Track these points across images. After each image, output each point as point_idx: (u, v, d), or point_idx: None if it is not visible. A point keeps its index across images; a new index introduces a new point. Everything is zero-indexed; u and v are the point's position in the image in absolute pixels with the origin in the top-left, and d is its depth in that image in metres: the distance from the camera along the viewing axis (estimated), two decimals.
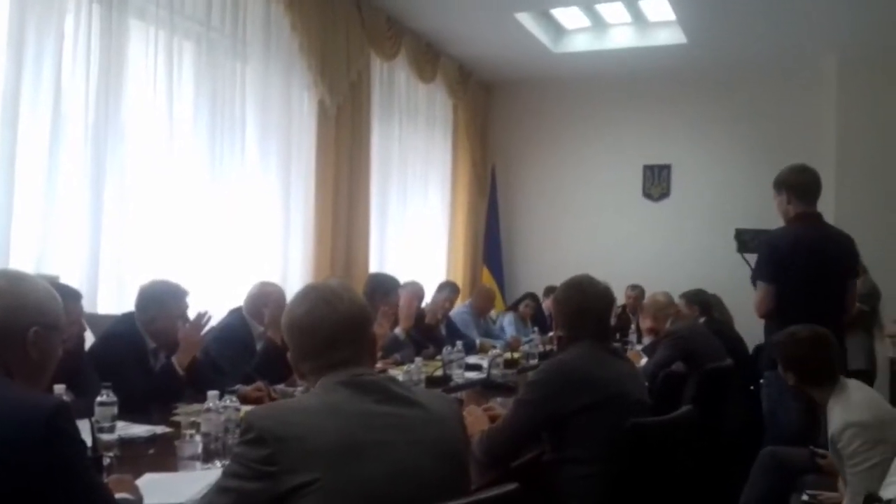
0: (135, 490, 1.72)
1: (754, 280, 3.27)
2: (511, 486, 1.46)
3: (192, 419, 2.43)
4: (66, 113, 3.75)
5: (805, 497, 2.61)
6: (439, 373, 3.60)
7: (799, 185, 3.30)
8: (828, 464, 2.70)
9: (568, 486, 2.18)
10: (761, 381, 3.46)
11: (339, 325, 1.53)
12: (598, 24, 6.87)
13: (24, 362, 1.45)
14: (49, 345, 1.49)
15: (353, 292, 1.63)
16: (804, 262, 3.16)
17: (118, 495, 1.63)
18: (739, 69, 7.21)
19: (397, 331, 4.37)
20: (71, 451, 1.34)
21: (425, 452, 1.46)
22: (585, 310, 2.34)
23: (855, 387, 2.57)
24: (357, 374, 1.50)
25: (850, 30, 6.22)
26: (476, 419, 2.48)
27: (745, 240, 3.58)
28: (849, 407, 2.49)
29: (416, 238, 6.95)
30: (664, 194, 7.67)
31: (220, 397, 2.23)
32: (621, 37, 6.95)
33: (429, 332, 4.81)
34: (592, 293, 2.37)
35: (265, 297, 3.58)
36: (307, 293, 1.60)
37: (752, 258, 3.63)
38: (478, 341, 5.31)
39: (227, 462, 1.98)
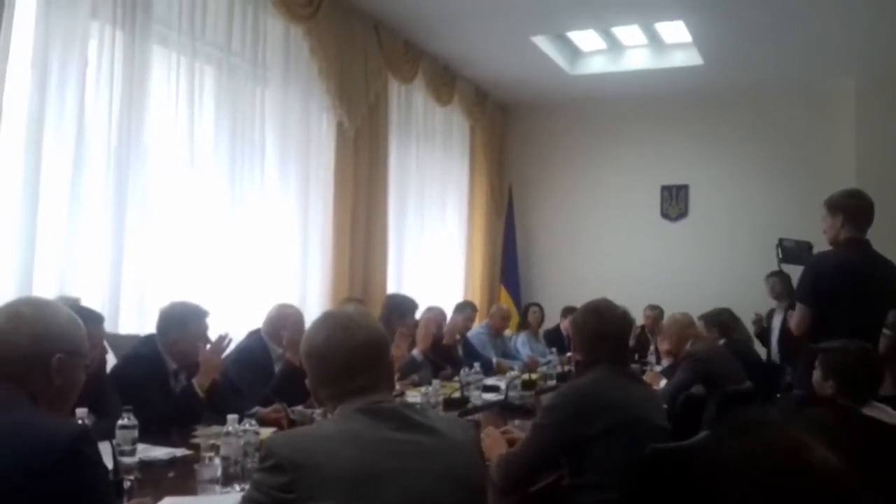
0: None
1: (796, 298, 3.26)
2: None
3: (212, 442, 2.45)
4: (90, 137, 3.82)
5: None
6: (457, 394, 3.60)
7: (857, 211, 3.28)
8: None
9: None
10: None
11: (357, 352, 1.55)
12: (614, 46, 6.90)
13: (48, 389, 1.47)
14: (73, 372, 1.51)
15: (371, 319, 1.65)
16: (850, 287, 3.15)
17: None
18: (756, 91, 7.20)
19: (415, 352, 4.38)
20: (93, 476, 1.36)
21: (442, 480, 1.46)
22: (603, 334, 2.33)
23: (881, 409, 2.56)
24: (375, 402, 1.51)
25: (867, 53, 6.21)
26: (494, 442, 2.47)
27: (788, 248, 3.58)
28: None
29: (433, 258, 6.97)
30: (682, 214, 7.65)
31: (240, 420, 2.25)
32: (637, 59, 6.97)
33: (446, 353, 4.81)
34: (610, 317, 2.36)
35: (284, 320, 3.60)
36: (325, 320, 1.61)
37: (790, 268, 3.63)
38: (494, 361, 5.30)
39: (245, 486, 2.00)
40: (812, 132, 7.11)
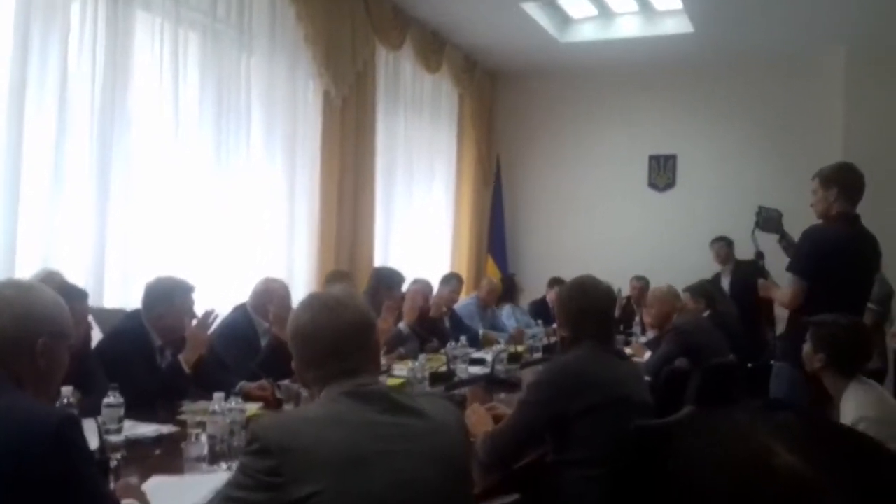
0: (142, 496, 1.74)
1: (790, 270, 3.26)
2: (512, 497, 1.47)
3: (198, 418, 2.45)
4: (72, 104, 3.77)
5: None
6: (444, 368, 3.62)
7: (851, 185, 3.27)
8: None
9: (570, 488, 2.19)
10: (773, 370, 3.47)
11: (343, 334, 1.54)
12: (605, 13, 6.82)
13: (33, 372, 1.46)
14: (57, 354, 1.50)
15: (358, 300, 1.64)
16: (843, 262, 3.17)
17: (126, 501, 1.66)
18: (746, 59, 7.16)
19: (401, 325, 4.39)
20: (78, 461, 1.36)
21: (428, 462, 1.47)
22: (588, 310, 2.34)
23: (869, 384, 2.60)
24: (361, 384, 1.51)
25: (859, 23, 6.16)
26: (479, 419, 2.49)
27: (766, 216, 3.57)
28: (863, 402, 2.51)
29: (420, 229, 6.96)
30: (670, 184, 7.65)
31: (226, 398, 2.26)
32: (628, 26, 6.90)
33: (433, 326, 4.82)
34: (595, 294, 2.37)
35: (270, 294, 3.59)
36: (311, 302, 1.61)
37: (766, 238, 3.62)
38: (481, 333, 5.33)
39: (232, 464, 2.02)
40: (802, 102, 7.09)
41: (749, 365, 4.12)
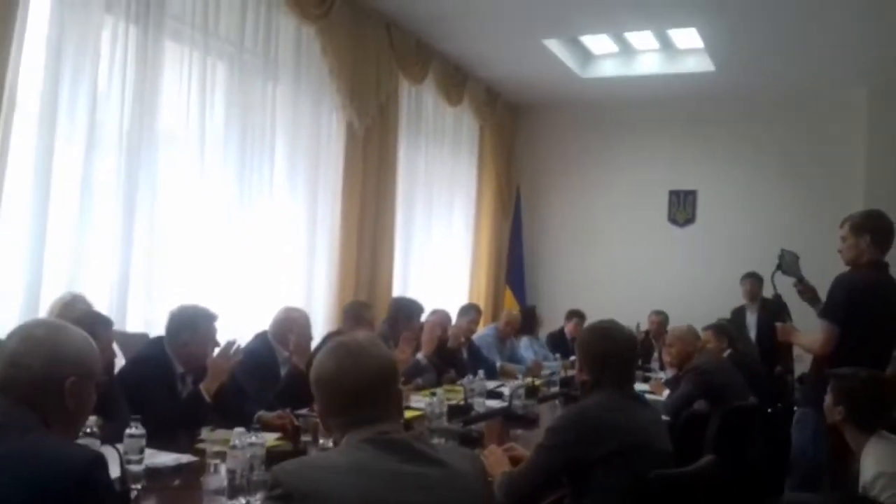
0: None
1: (823, 316, 3.23)
2: None
3: (217, 448, 2.47)
4: (101, 130, 3.84)
5: None
6: (461, 401, 3.61)
7: (883, 232, 3.25)
8: None
9: None
10: (794, 416, 3.44)
11: (366, 382, 1.54)
12: (627, 50, 6.88)
13: (61, 411, 1.47)
14: (85, 394, 1.52)
15: (381, 347, 1.65)
16: (874, 310, 3.16)
17: None
18: (767, 97, 7.18)
19: (419, 356, 4.39)
20: (105, 501, 1.37)
21: None
22: (609, 356, 2.34)
23: (889, 438, 2.57)
24: (383, 432, 1.51)
25: (882, 63, 6.18)
26: (497, 460, 2.48)
27: (788, 259, 3.55)
28: (882, 457, 2.48)
29: (439, 259, 6.98)
30: (689, 220, 7.64)
31: (246, 429, 2.27)
32: (649, 63, 6.95)
33: (451, 357, 4.82)
34: (617, 338, 2.37)
35: (290, 323, 3.62)
36: (336, 349, 1.61)
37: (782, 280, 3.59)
38: (498, 365, 5.31)
39: (251, 499, 2.03)
40: (823, 142, 7.09)
41: (769, 410, 4.06)
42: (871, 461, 2.48)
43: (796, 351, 3.80)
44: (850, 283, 3.22)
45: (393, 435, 1.52)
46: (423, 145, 6.75)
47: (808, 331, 3.48)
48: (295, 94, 5.15)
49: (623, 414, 2.25)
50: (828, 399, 2.67)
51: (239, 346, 3.12)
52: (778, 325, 3.56)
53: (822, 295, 3.36)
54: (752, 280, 6.23)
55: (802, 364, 4.10)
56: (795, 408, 3.52)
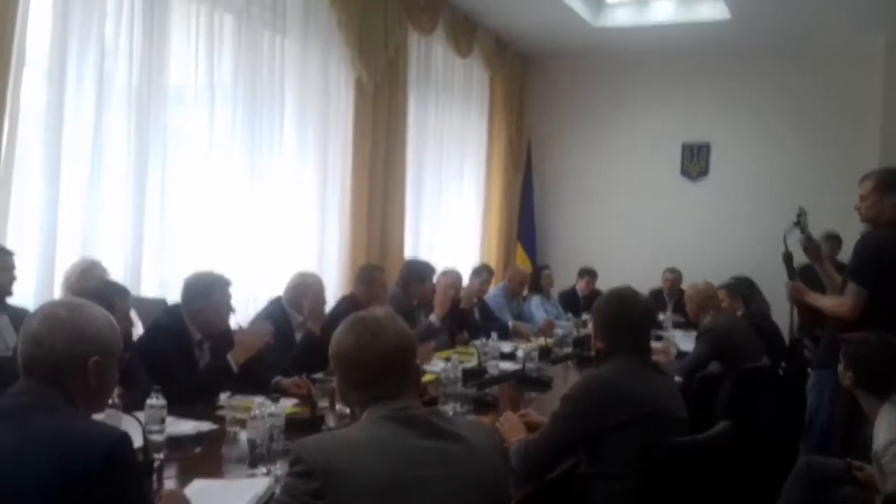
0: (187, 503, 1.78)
1: (852, 279, 3.15)
2: None
3: (237, 415, 2.51)
4: (110, 88, 3.81)
5: None
6: (475, 364, 3.64)
7: None
8: (865, 477, 2.70)
9: (602, 500, 2.21)
10: (809, 379, 3.42)
11: (385, 358, 1.56)
12: None
13: (85, 390, 1.50)
14: (108, 372, 1.54)
15: (399, 323, 1.65)
16: None
17: None
18: (783, 47, 7.01)
19: (432, 318, 4.41)
20: (131, 480, 1.40)
21: (468, 487, 1.49)
22: (625, 323, 2.34)
23: None
24: (402, 408, 1.53)
25: None
26: (512, 427, 2.51)
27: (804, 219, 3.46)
28: (895, 424, 2.48)
29: (450, 217, 6.95)
30: (703, 173, 7.55)
31: (265, 396, 2.30)
32: (663, 12, 6.79)
33: (463, 318, 4.83)
34: (633, 307, 2.36)
35: (305, 288, 3.62)
36: (355, 324, 1.62)
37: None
38: (511, 324, 5.34)
39: (271, 467, 2.07)
40: (839, 91, 6.93)
41: (780, 371, 4.06)
42: (885, 427, 2.48)
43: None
44: (875, 243, 3.14)
45: (412, 411, 1.54)
46: (432, 99, 6.65)
47: (820, 294, 3.43)
48: (303, 49, 5.07)
49: (638, 382, 2.26)
50: (840, 365, 2.67)
51: (271, 329, 3.14)
52: (788, 283, 3.52)
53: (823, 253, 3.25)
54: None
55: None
56: (809, 370, 3.51)
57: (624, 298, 2.39)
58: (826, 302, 3.33)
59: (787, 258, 3.58)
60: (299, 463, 1.45)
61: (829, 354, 3.25)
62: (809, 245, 3.49)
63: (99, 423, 1.50)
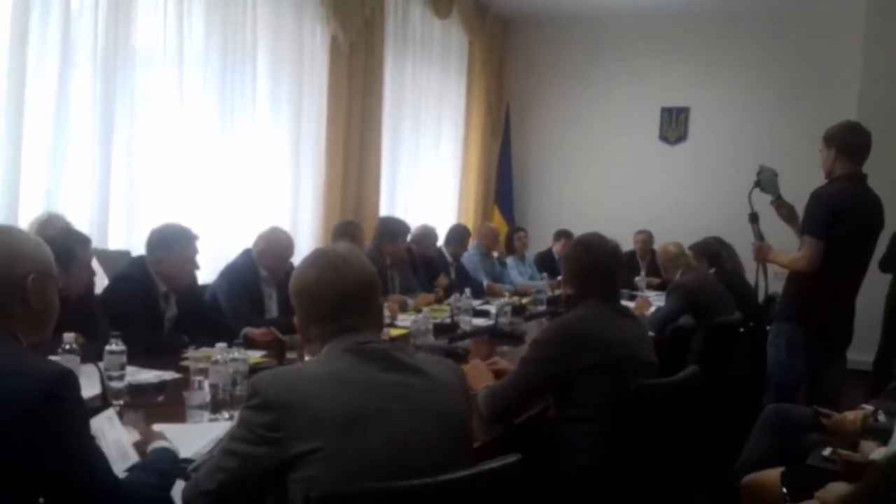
0: (159, 435, 1.75)
1: (807, 233, 3.19)
2: (512, 458, 1.47)
3: (201, 365, 2.46)
4: (76, 46, 3.71)
5: (826, 452, 2.58)
6: (448, 320, 3.62)
7: (852, 146, 3.21)
8: (832, 423, 2.71)
9: (571, 443, 2.20)
10: (770, 331, 3.46)
11: (347, 293, 1.53)
12: None
13: (26, 312, 1.44)
14: (48, 292, 1.48)
15: (363, 259, 1.62)
16: (853, 222, 3.14)
17: (153, 445, 1.67)
18: (764, 9, 6.96)
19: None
20: (71, 420, 1.33)
21: (429, 421, 1.46)
22: (594, 269, 2.32)
23: None
24: (363, 342, 1.50)
25: None
26: (479, 374, 2.49)
27: (769, 178, 3.45)
28: None
29: (427, 178, 6.89)
30: (681, 138, 7.53)
31: (229, 346, 2.26)
32: None
33: (434, 271, 4.82)
34: (601, 252, 2.34)
35: (272, 244, 3.57)
36: (316, 259, 1.59)
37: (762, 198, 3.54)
38: (485, 284, 5.32)
39: (234, 413, 2.03)
40: (819, 52, 6.89)
41: (751, 324, 4.09)
42: None
43: (772, 269, 3.75)
44: (824, 197, 3.19)
45: (373, 344, 1.51)
46: (409, 61, 6.55)
47: (784, 250, 3.45)
48: (277, 7, 4.95)
49: (607, 326, 2.24)
50: None
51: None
52: (754, 243, 3.53)
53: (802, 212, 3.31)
54: None
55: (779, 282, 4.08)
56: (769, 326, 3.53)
57: (592, 244, 2.37)
58: (785, 258, 3.36)
59: (753, 218, 3.57)
60: (255, 396, 1.41)
61: (786, 308, 3.28)
62: (779, 205, 3.50)
63: (41, 358, 1.44)
